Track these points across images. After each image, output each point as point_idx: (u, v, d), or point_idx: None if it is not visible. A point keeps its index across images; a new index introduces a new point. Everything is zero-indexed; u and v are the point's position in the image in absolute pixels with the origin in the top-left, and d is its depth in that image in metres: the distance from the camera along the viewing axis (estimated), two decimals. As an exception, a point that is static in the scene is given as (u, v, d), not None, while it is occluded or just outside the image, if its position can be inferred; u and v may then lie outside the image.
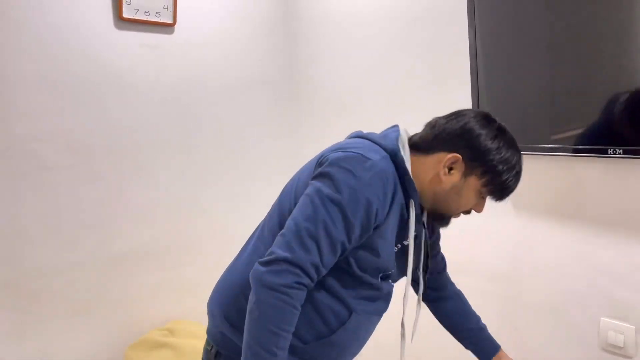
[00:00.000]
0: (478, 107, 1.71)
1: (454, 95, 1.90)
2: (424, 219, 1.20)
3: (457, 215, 1.18)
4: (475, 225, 1.88)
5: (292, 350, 1.11)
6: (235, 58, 2.45)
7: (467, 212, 1.17)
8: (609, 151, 1.41)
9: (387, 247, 1.12)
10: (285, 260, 0.99)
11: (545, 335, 1.74)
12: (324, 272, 1.04)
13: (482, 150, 1.09)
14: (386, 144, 1.11)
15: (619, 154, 1.39)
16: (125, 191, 2.15)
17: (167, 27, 2.22)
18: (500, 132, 1.11)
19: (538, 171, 1.69)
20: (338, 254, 1.05)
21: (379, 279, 1.17)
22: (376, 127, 2.25)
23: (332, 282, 1.11)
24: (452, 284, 1.46)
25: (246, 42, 2.49)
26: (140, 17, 2.12)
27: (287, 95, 2.65)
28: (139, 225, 2.19)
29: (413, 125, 2.09)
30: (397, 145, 1.11)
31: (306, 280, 1.01)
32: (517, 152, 1.12)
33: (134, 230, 2.18)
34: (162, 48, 2.22)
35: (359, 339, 1.20)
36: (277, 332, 0.98)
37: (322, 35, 2.46)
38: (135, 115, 2.17)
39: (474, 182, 1.11)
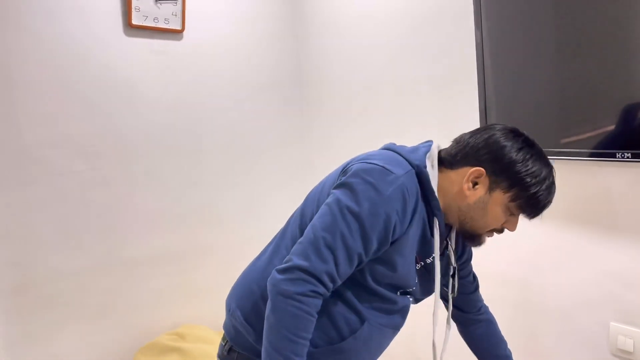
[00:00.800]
0: (485, 109, 1.71)
1: (462, 97, 1.90)
2: (452, 238, 1.19)
3: (489, 234, 1.14)
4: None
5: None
6: (244, 63, 2.47)
7: (499, 230, 1.14)
8: (617, 155, 1.40)
9: (405, 263, 1.11)
10: (301, 269, 1.01)
11: (554, 340, 1.73)
12: (339, 282, 1.05)
13: (506, 163, 1.06)
14: (413, 159, 1.10)
15: (628, 157, 1.39)
16: (135, 197, 2.17)
17: (175, 34, 2.24)
18: (527, 145, 1.08)
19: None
20: (354, 265, 1.05)
21: (397, 293, 1.17)
22: (386, 129, 2.25)
23: (347, 292, 1.12)
24: (484, 307, 1.43)
25: (255, 46, 2.51)
26: (149, 23, 2.14)
27: (296, 99, 2.65)
28: (149, 231, 2.21)
29: (422, 128, 2.10)
30: (424, 161, 1.09)
31: (321, 289, 1.02)
32: (547, 164, 1.09)
33: (144, 236, 2.19)
34: (171, 54, 2.24)
35: (370, 351, 1.19)
36: (292, 338, 0.99)
37: (330, 38, 2.47)
38: (145, 121, 2.19)
39: (499, 197, 1.08)
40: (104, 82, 2.08)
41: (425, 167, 1.08)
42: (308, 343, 1.02)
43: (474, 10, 1.71)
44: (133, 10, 2.09)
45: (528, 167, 1.05)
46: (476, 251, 1.95)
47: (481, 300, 1.43)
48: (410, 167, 1.08)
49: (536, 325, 1.78)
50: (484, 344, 1.40)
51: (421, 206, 1.08)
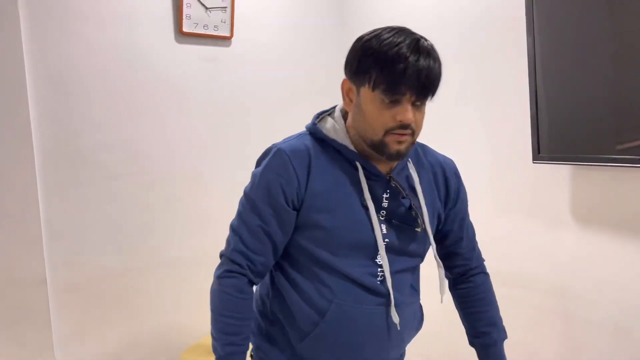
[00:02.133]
0: (537, 118, 1.68)
1: (511, 105, 1.87)
2: (409, 175, 1.15)
3: (389, 136, 1.04)
4: (528, 234, 1.84)
5: (292, 350, 1.16)
6: (290, 69, 2.50)
7: (399, 127, 1.03)
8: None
9: (336, 217, 1.08)
10: (220, 256, 1.16)
11: (606, 354, 1.67)
12: (257, 257, 1.11)
13: (350, 58, 1.08)
14: (308, 125, 1.18)
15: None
16: (182, 199, 2.22)
17: (224, 40, 2.29)
18: (358, 39, 1.08)
19: (601, 182, 1.64)
20: (265, 239, 1.11)
21: (364, 261, 1.10)
22: (429, 136, 2.23)
23: (304, 273, 1.13)
24: (477, 269, 1.30)
25: (301, 54, 2.53)
26: (199, 30, 2.19)
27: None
28: (194, 233, 2.25)
29: (469, 137, 2.07)
30: (314, 121, 1.16)
31: (235, 267, 1.11)
32: (379, 41, 1.03)
33: (189, 237, 2.24)
34: (220, 60, 2.29)
35: (363, 338, 1.12)
36: (218, 318, 1.11)
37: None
38: (194, 125, 2.24)
39: (365, 93, 1.05)
40: (155, 88, 2.14)
41: (315, 124, 1.15)
42: (237, 322, 1.10)
43: (526, 15, 1.68)
44: (184, 17, 2.15)
45: (361, 52, 1.05)
46: (518, 256, 1.92)
47: (471, 260, 1.29)
48: (302, 132, 1.17)
49: (586, 339, 1.72)
50: (465, 308, 1.29)
51: (326, 159, 1.11)
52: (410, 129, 1.05)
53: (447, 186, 1.24)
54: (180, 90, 2.20)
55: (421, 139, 1.16)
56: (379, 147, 1.07)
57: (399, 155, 1.07)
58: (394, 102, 1.03)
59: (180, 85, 2.19)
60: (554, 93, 1.64)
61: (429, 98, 1.06)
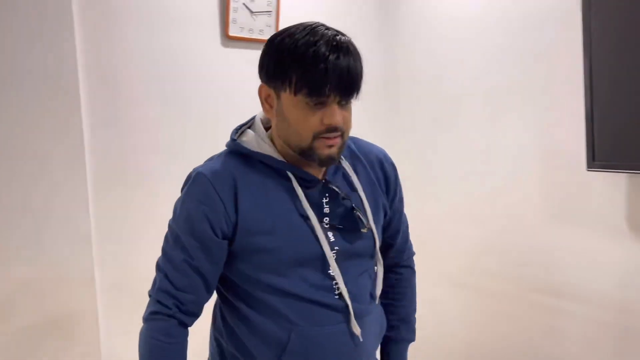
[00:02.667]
0: (592, 122, 1.60)
1: (564, 109, 1.80)
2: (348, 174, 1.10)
3: (318, 141, 0.99)
4: (580, 244, 1.76)
5: None
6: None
7: (327, 130, 0.98)
8: None
9: (276, 237, 1.01)
10: (149, 296, 1.08)
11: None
12: (186, 295, 1.03)
13: (261, 65, 1.02)
14: (227, 142, 1.10)
15: None
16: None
17: (269, 44, 2.30)
18: (270, 40, 1.02)
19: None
20: (193, 274, 1.03)
21: (319, 274, 1.04)
22: (476, 138, 2.18)
23: (254, 305, 1.05)
24: (404, 262, 1.27)
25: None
26: (245, 34, 2.22)
27: (383, 110, 2.63)
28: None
29: (518, 143, 2.00)
30: (233, 136, 1.09)
31: (161, 308, 1.03)
32: (294, 40, 0.97)
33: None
34: (264, 64, 2.30)
35: (329, 358, 1.05)
36: None
37: (420, 45, 2.43)
38: (238, 128, 2.25)
39: (286, 98, 0.98)
40: (202, 91, 2.17)
41: (235, 140, 1.08)
42: None
43: (582, 10, 1.59)
44: (230, 22, 2.17)
45: (281, 49, 0.97)
46: (568, 266, 1.84)
47: (403, 253, 1.26)
48: (223, 152, 1.09)
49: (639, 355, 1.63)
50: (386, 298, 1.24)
51: (254, 174, 1.03)
52: (340, 131, 0.99)
53: (386, 176, 1.17)
54: (226, 92, 2.22)
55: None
56: (308, 153, 1.00)
57: (331, 160, 1.02)
58: (319, 105, 0.97)
59: (226, 88, 2.22)
60: (611, 96, 1.56)
61: (355, 96, 1.00)
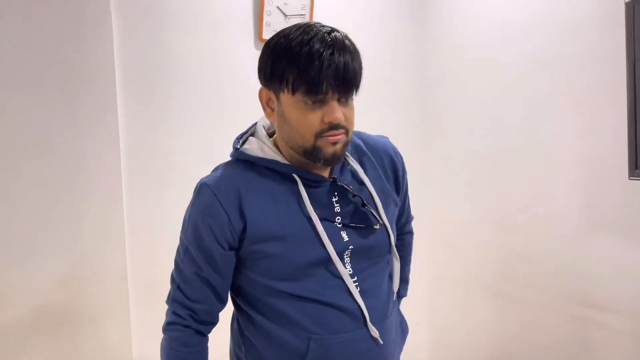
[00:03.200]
0: (635, 129, 1.55)
1: (605, 115, 1.74)
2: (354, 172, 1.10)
3: (320, 140, 0.98)
4: (620, 254, 1.71)
5: None
6: (366, 76, 2.46)
7: (329, 128, 0.98)
8: None
9: (287, 243, 1.01)
10: (167, 305, 1.11)
11: None
12: (199, 305, 1.06)
13: (260, 69, 1.04)
14: (231, 152, 1.10)
15: None
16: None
17: (302, 47, 2.30)
18: (267, 43, 1.02)
19: None
20: (203, 286, 1.05)
21: (333, 276, 1.03)
22: (516, 146, 2.13)
23: (270, 314, 1.05)
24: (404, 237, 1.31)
25: (375, 61, 2.49)
26: (279, 37, 2.22)
27: (417, 113, 2.60)
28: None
29: (558, 150, 1.95)
30: (236, 144, 1.09)
31: (177, 319, 1.07)
32: (289, 40, 0.97)
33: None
34: (298, 67, 2.30)
35: None
36: None
37: (452, 50, 2.39)
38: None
39: (285, 99, 0.99)
40: (236, 93, 2.18)
41: (238, 148, 1.07)
42: None
43: (626, 15, 1.54)
44: (264, 25, 2.18)
45: (277, 50, 0.97)
46: (600, 276, 1.78)
47: (406, 223, 1.31)
48: (227, 162, 1.09)
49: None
50: None
51: (260, 181, 1.03)
52: (342, 128, 0.99)
53: (395, 168, 1.16)
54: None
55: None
56: (313, 154, 1.00)
57: (336, 158, 1.01)
58: (319, 103, 0.97)
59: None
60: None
61: (354, 92, 0.99)
